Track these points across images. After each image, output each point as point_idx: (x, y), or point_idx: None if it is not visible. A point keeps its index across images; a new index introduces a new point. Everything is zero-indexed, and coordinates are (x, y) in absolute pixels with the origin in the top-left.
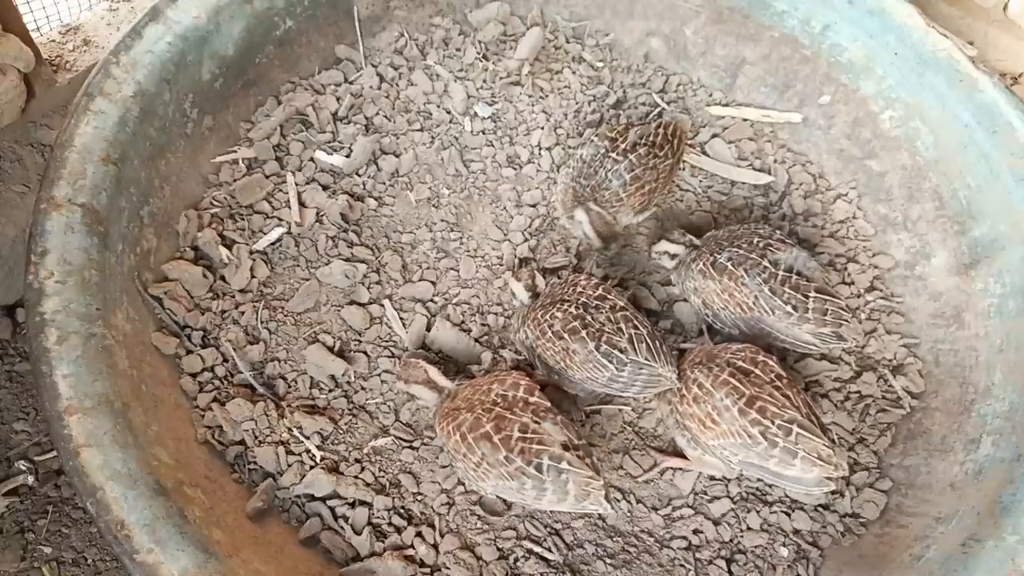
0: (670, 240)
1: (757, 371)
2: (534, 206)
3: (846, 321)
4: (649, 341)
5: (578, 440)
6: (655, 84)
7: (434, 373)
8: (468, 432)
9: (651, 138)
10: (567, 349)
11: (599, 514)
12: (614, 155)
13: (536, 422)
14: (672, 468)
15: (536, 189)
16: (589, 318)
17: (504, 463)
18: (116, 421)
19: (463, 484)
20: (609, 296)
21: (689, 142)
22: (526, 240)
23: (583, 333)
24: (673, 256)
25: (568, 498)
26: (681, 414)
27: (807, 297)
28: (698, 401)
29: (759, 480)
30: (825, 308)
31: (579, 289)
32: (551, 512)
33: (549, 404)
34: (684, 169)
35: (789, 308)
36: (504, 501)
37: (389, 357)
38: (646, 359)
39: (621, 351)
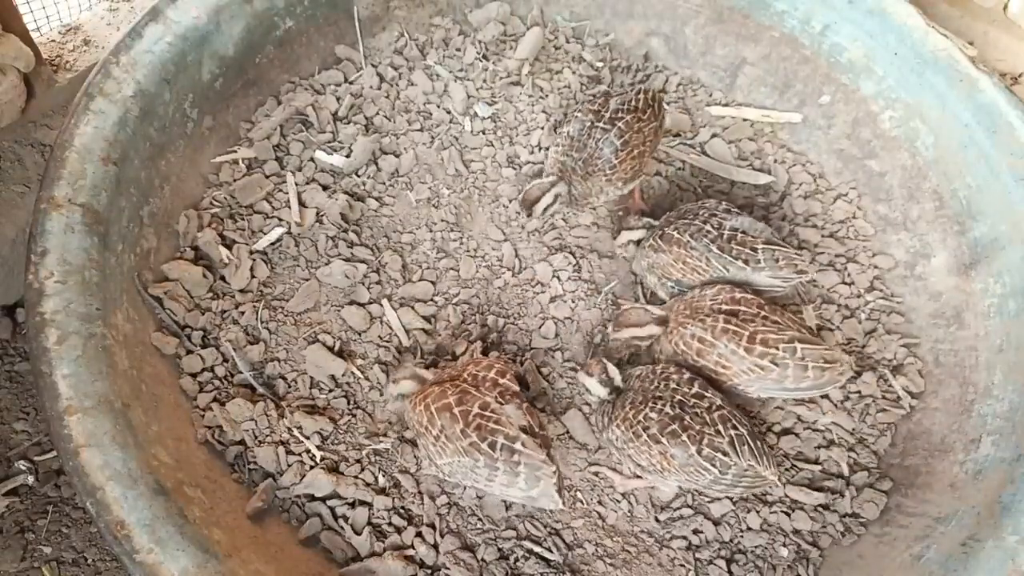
0: (628, 228)
1: (743, 308)
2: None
3: (799, 258)
4: (751, 442)
5: (539, 429)
6: (655, 84)
7: (419, 370)
8: (432, 403)
9: (632, 104)
10: (665, 453)
11: (600, 512)
12: (601, 125)
13: (499, 403)
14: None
15: None
16: (688, 419)
17: (460, 436)
18: (116, 421)
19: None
20: (707, 394)
21: (667, 107)
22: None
23: (684, 437)
24: (638, 242)
25: (518, 481)
26: (690, 369)
27: (755, 250)
28: (703, 355)
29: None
30: (776, 256)
31: (672, 385)
32: (551, 512)
33: (517, 389)
34: (668, 135)
35: (740, 263)
36: (504, 503)
37: (385, 360)
38: (750, 463)
39: (724, 454)
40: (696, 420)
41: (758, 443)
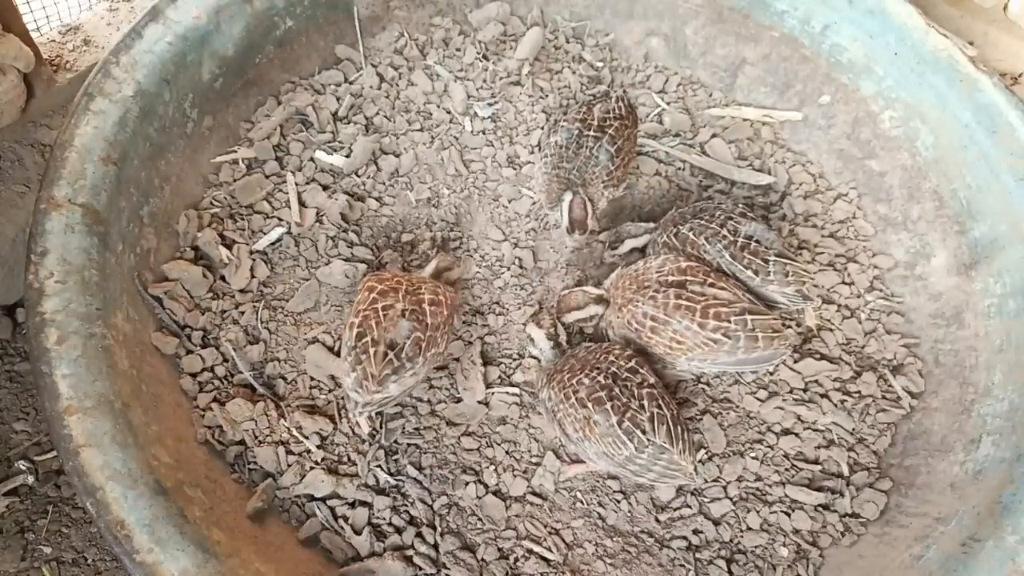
0: (631, 236)
1: (689, 277)
2: (533, 205)
3: (809, 278)
4: (671, 424)
5: (406, 357)
6: (655, 84)
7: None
8: (368, 280)
9: (616, 111)
10: (589, 419)
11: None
12: (591, 133)
13: (402, 315)
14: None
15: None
16: (617, 390)
17: (354, 315)
18: (116, 421)
19: None
20: (641, 371)
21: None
22: (528, 233)
23: (607, 405)
24: (643, 249)
25: (348, 380)
26: (643, 345)
27: (767, 261)
28: (657, 332)
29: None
30: (787, 270)
31: (611, 358)
32: (551, 512)
33: (430, 322)
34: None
35: (750, 272)
36: (504, 503)
37: None
38: (664, 442)
39: (643, 431)
40: (624, 393)
41: (679, 428)
